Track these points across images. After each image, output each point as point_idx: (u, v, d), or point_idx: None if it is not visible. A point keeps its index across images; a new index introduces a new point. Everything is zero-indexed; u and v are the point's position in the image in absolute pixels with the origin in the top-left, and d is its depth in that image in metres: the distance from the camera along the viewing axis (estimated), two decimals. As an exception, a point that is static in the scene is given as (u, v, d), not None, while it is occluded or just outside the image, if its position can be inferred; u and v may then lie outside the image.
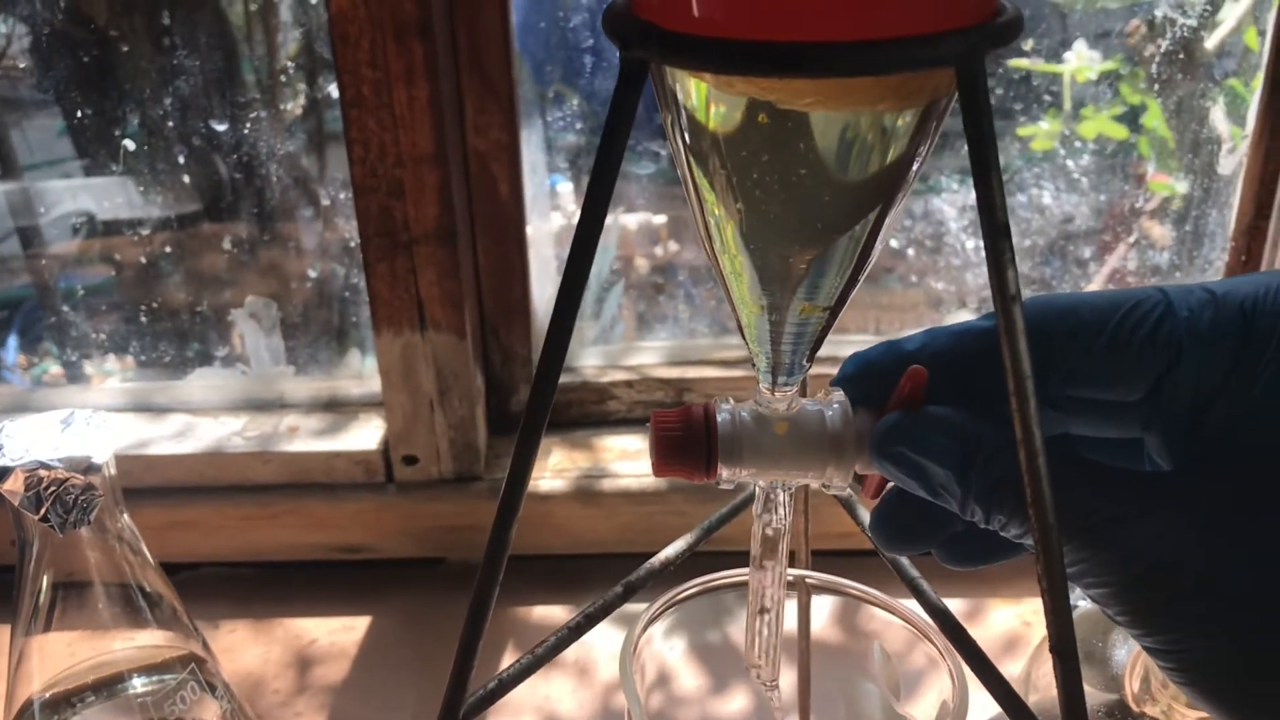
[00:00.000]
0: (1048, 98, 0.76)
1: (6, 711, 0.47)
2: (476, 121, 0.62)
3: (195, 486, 0.66)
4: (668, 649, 0.36)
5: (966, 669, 0.31)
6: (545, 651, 0.31)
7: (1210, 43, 0.72)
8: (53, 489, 0.41)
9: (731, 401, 0.29)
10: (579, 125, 0.70)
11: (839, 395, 0.29)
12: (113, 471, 0.43)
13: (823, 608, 0.36)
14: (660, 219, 0.78)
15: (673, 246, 0.80)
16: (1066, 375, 0.27)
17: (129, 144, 0.67)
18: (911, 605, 0.34)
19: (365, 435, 0.67)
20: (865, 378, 0.29)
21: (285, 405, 0.70)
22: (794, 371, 0.28)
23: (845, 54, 0.20)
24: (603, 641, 0.63)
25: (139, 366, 0.71)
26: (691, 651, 0.37)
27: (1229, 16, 0.70)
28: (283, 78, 0.68)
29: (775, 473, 0.29)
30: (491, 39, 0.61)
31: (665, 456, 0.28)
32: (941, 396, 0.27)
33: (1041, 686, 0.48)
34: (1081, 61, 0.75)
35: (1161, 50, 0.70)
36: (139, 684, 0.48)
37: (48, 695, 0.47)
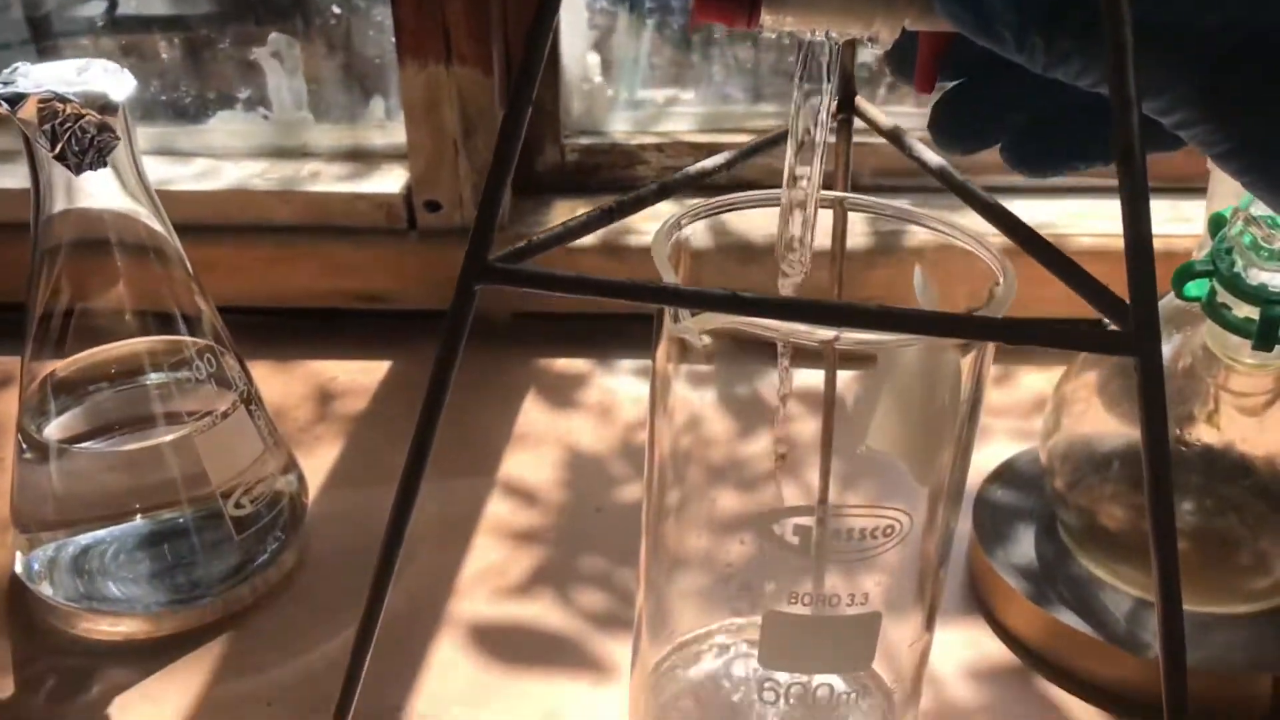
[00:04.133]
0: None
1: (22, 387, 0.46)
2: None
3: (217, 225, 0.65)
4: (701, 244, 0.34)
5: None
6: (578, 226, 0.30)
7: None
8: (68, 125, 0.40)
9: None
10: None
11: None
12: (131, 123, 0.42)
13: (860, 229, 0.35)
14: None
15: None
16: None
17: None
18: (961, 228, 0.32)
19: (388, 181, 0.66)
20: None
21: (307, 153, 0.68)
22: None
23: None
24: (624, 385, 0.62)
25: (160, 109, 0.69)
26: (725, 252, 0.35)
27: None
28: None
29: (821, 18, 0.27)
30: None
31: (705, -4, 0.26)
32: None
33: (1075, 413, 0.47)
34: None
35: None
36: (156, 376, 0.48)
37: (63, 376, 0.46)
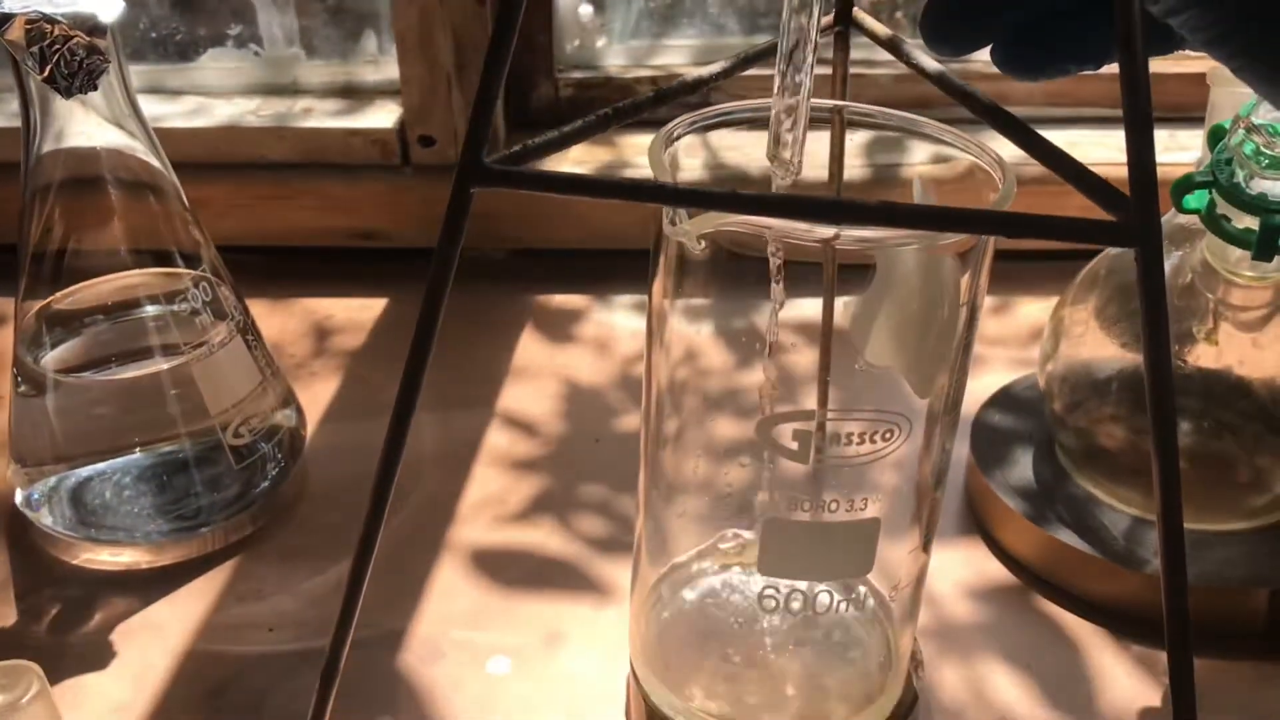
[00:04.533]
0: None
1: (17, 319, 0.46)
2: None
3: (210, 163, 0.64)
4: (695, 158, 0.34)
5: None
6: (573, 131, 0.30)
7: None
8: (57, 46, 0.39)
9: None
10: None
11: None
12: (120, 46, 0.41)
13: (859, 140, 0.35)
14: None
15: None
16: None
17: None
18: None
19: (381, 117, 0.65)
20: None
21: (300, 90, 0.68)
22: None
23: None
24: (621, 319, 0.62)
25: (150, 45, 0.69)
26: (722, 157, 0.35)
27: None
28: None
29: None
30: None
31: None
32: None
33: (1074, 335, 0.47)
34: None
35: None
36: (152, 309, 0.47)
37: (59, 309, 0.46)
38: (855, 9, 0.36)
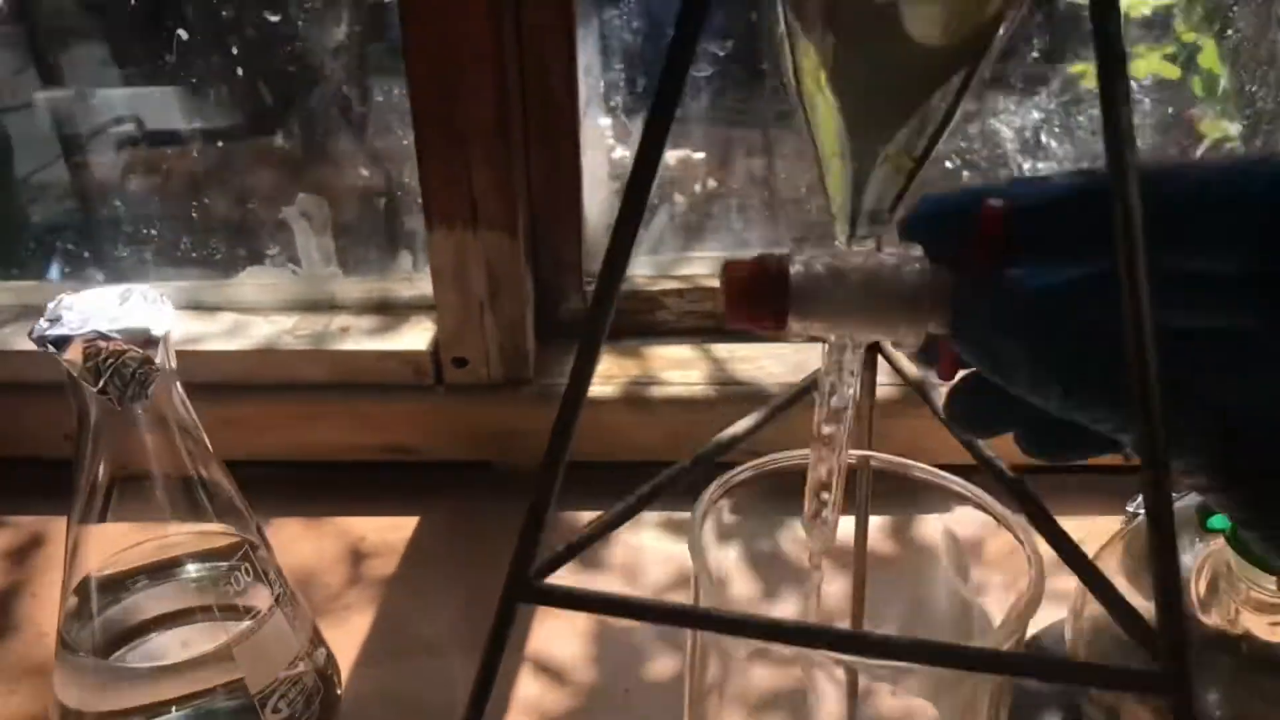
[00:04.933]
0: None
1: (64, 591, 0.47)
2: (533, 17, 0.61)
3: (246, 384, 0.66)
4: (735, 519, 0.35)
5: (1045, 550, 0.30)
6: (613, 518, 0.31)
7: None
8: (111, 361, 0.41)
9: (806, 253, 0.28)
10: (635, 25, 0.68)
11: (917, 250, 0.28)
12: (171, 350, 0.43)
13: (886, 491, 0.36)
14: (700, 155, 0.77)
15: (712, 184, 0.78)
16: (1171, 234, 0.26)
17: (182, 34, 0.66)
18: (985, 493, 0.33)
19: (415, 337, 0.67)
20: (940, 215, 0.27)
21: (335, 306, 0.70)
22: (873, 222, 0.27)
23: None
24: (650, 541, 0.63)
25: (191, 265, 0.71)
26: (759, 524, 0.36)
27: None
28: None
29: (847, 326, 0.28)
30: (550, -70, 0.59)
31: (736, 305, 0.27)
32: (1023, 240, 0.26)
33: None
34: (1135, -3, 0.73)
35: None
36: (193, 569, 0.48)
37: (103, 575, 0.47)
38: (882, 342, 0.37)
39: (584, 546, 0.30)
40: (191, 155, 0.71)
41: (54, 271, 0.75)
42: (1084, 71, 0.72)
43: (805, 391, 0.36)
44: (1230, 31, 0.70)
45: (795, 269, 0.28)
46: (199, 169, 0.71)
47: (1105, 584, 0.27)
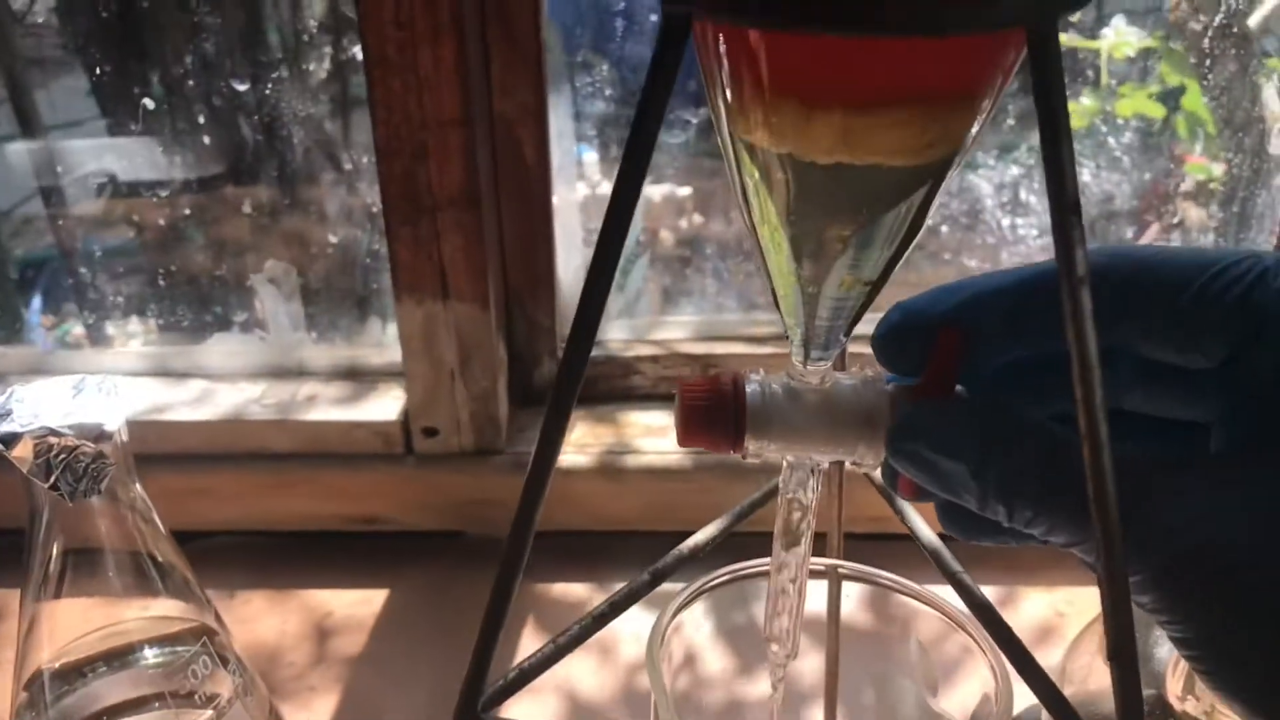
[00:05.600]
0: (1089, 73, 0.74)
1: (16, 679, 0.46)
2: (503, 85, 0.61)
3: (212, 454, 0.65)
4: (695, 635, 0.34)
5: (1009, 665, 0.30)
6: (568, 641, 0.30)
7: (1253, 20, 0.70)
8: (63, 456, 0.40)
9: (762, 372, 0.27)
10: (607, 92, 0.68)
11: (873, 371, 0.27)
12: (125, 439, 0.42)
13: (855, 596, 0.35)
14: (685, 191, 0.77)
15: (698, 219, 0.78)
16: (1141, 330, 0.26)
17: (148, 103, 0.65)
18: (948, 595, 0.32)
19: (385, 406, 0.66)
20: (907, 333, 0.27)
21: (304, 373, 0.69)
22: (829, 345, 0.26)
23: (901, 9, 0.18)
24: (625, 624, 0.62)
25: (159, 330, 0.70)
26: (719, 639, 0.35)
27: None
28: (306, 38, 0.67)
29: (804, 448, 0.27)
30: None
31: (691, 426, 0.27)
32: (990, 346, 0.26)
33: (1077, 680, 0.47)
34: (1120, 38, 0.73)
35: (1207, 25, 0.68)
36: (150, 655, 0.47)
37: (57, 665, 0.46)
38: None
39: (537, 673, 0.30)
40: (164, 211, 0.70)
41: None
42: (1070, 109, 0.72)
43: (768, 497, 0.35)
44: (1210, 77, 0.70)
45: (751, 389, 0.27)
46: (171, 230, 0.71)
47: (1064, 703, 0.26)
